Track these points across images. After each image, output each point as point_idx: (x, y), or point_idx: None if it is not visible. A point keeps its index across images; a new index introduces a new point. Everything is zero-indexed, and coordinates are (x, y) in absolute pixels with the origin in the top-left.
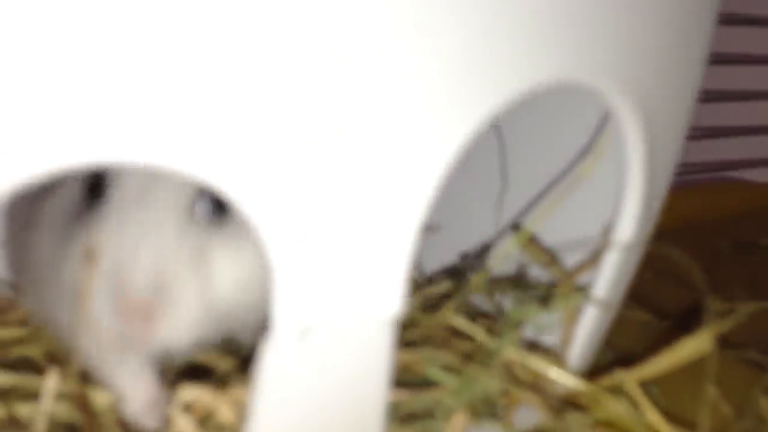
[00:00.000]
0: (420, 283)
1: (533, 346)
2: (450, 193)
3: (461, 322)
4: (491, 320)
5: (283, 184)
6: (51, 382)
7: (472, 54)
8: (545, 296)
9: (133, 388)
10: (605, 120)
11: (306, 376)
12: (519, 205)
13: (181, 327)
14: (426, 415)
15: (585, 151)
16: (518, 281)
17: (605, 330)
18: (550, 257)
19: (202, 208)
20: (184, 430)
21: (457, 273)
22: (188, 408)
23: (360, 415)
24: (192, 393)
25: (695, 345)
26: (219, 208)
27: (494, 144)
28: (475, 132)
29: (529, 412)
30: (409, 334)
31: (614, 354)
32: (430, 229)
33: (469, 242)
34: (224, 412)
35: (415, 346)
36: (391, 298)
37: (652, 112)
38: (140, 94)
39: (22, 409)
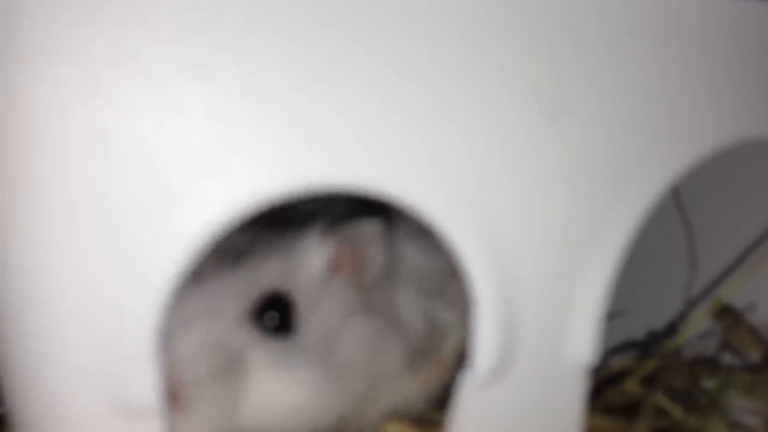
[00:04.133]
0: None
1: (734, 426)
2: (636, 276)
3: (661, 398)
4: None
5: (502, 237)
6: None
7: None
8: (746, 378)
9: None
10: None
11: (500, 416)
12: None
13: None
14: None
15: None
16: (714, 361)
17: None
18: (754, 336)
19: (270, 318)
20: None
21: (644, 350)
22: None
23: None
24: (399, 428)
25: None
26: (285, 325)
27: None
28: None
29: None
30: (598, 404)
31: None
32: (615, 315)
33: (656, 325)
34: None
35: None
36: (583, 346)
37: None
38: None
39: None
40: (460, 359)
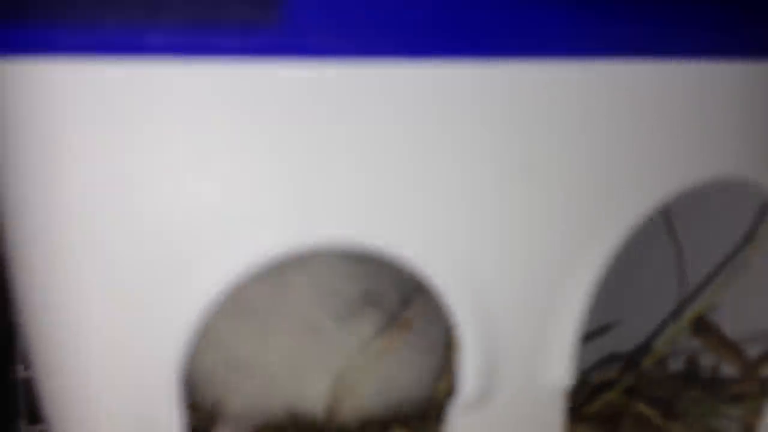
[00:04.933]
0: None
1: None
2: (629, 292)
3: (642, 407)
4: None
5: (482, 283)
6: None
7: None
8: (725, 390)
9: None
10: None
11: None
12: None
13: None
14: None
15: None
16: (695, 373)
17: None
18: (732, 348)
19: None
20: None
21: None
22: None
23: None
24: None
25: None
26: None
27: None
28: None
29: None
30: (583, 413)
31: None
32: (607, 328)
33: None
34: None
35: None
36: (560, 371)
37: None
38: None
39: None
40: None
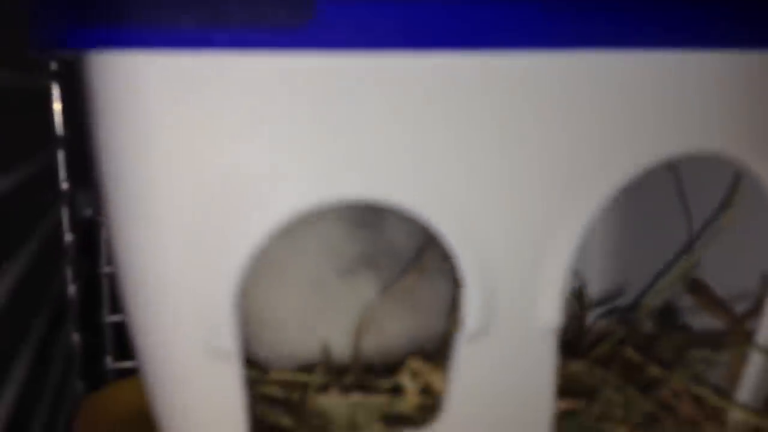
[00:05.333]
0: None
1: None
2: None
3: (631, 352)
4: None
5: (481, 230)
6: None
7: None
8: (711, 340)
9: None
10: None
11: (485, 366)
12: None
13: None
14: (593, 425)
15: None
16: (685, 327)
17: None
18: (721, 305)
19: None
20: (410, 390)
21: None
22: (414, 375)
23: (530, 404)
24: (418, 364)
25: None
26: None
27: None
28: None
29: None
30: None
31: None
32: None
33: None
34: (437, 382)
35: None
36: (550, 312)
37: None
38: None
39: None
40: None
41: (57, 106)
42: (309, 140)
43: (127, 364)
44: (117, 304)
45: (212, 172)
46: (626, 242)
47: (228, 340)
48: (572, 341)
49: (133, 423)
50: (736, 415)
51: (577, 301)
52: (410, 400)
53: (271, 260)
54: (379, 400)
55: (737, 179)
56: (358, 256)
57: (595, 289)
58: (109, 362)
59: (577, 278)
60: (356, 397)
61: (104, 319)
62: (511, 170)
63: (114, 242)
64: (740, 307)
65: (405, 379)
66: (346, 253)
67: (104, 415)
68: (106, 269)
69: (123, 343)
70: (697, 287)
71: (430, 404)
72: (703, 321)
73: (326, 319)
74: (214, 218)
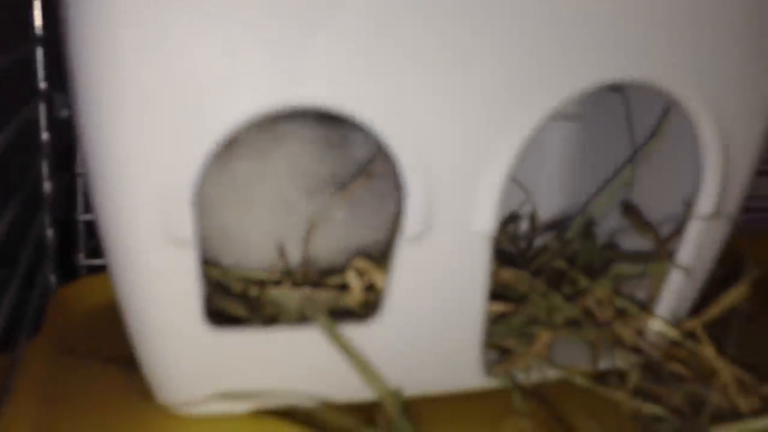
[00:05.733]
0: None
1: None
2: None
3: (560, 262)
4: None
5: (425, 139)
6: None
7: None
8: (639, 258)
9: None
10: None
11: (423, 267)
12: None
13: None
14: (522, 327)
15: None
16: (614, 246)
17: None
18: (649, 227)
19: None
20: (355, 287)
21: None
22: (359, 273)
23: (464, 305)
24: (363, 264)
25: (734, 295)
26: None
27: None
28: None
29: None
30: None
31: None
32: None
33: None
34: (379, 280)
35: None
36: (486, 218)
37: (721, 103)
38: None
39: None
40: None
41: (37, 4)
42: (265, 42)
43: (98, 261)
44: (90, 204)
45: (172, 68)
46: (583, 166)
47: (185, 229)
48: (520, 257)
49: (102, 314)
50: (654, 326)
51: (530, 222)
52: (355, 296)
53: (243, 181)
54: (327, 295)
55: (667, 109)
56: (327, 176)
57: (554, 211)
58: (82, 259)
59: (531, 201)
60: (306, 291)
61: (78, 217)
62: (454, 83)
63: (81, 137)
64: (666, 230)
65: (350, 277)
66: (316, 174)
67: (74, 306)
68: (80, 170)
69: (96, 241)
70: (629, 210)
71: (373, 301)
72: (633, 242)
73: (294, 236)
74: (175, 113)
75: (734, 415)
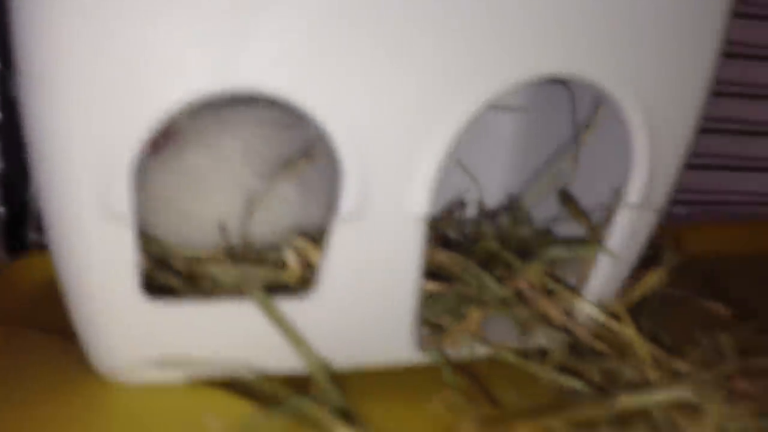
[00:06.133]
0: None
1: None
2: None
3: (493, 245)
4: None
5: (361, 123)
6: None
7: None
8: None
9: None
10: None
11: (358, 247)
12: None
13: None
14: (454, 306)
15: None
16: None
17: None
18: (584, 215)
19: None
20: (292, 264)
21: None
22: (296, 251)
23: (398, 283)
24: (301, 243)
25: (652, 279)
26: None
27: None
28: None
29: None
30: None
31: None
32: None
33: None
34: (315, 258)
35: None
36: (420, 200)
37: (648, 97)
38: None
39: None
40: None
41: None
42: (202, 27)
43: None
44: None
45: (111, 50)
46: (532, 155)
47: (122, 203)
48: (465, 241)
49: (48, 289)
50: (582, 309)
51: (477, 208)
52: (292, 272)
53: (195, 166)
54: (266, 272)
55: (599, 101)
56: (280, 158)
57: (500, 198)
58: (31, 235)
59: (477, 188)
60: (244, 266)
61: (27, 194)
62: (390, 71)
63: (23, 113)
64: (597, 217)
65: (288, 254)
66: (269, 156)
67: (21, 281)
68: None
69: None
70: (564, 197)
71: (309, 278)
72: (570, 230)
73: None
74: (114, 93)
75: (647, 387)
